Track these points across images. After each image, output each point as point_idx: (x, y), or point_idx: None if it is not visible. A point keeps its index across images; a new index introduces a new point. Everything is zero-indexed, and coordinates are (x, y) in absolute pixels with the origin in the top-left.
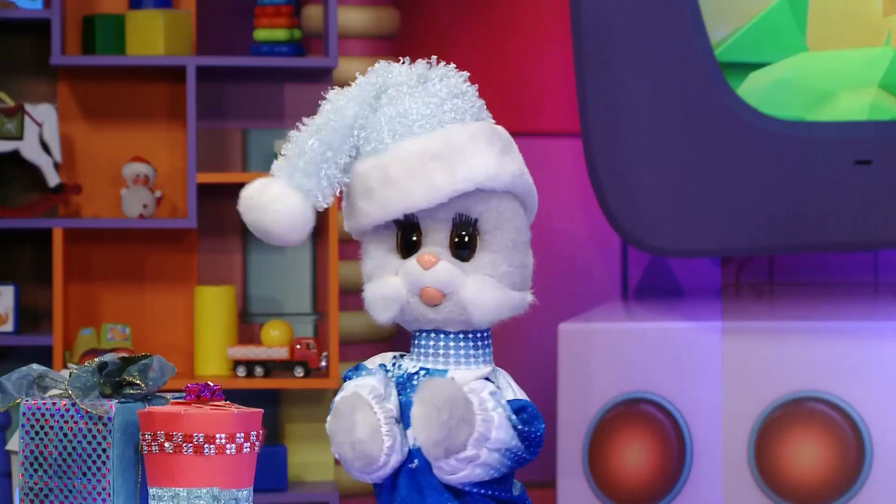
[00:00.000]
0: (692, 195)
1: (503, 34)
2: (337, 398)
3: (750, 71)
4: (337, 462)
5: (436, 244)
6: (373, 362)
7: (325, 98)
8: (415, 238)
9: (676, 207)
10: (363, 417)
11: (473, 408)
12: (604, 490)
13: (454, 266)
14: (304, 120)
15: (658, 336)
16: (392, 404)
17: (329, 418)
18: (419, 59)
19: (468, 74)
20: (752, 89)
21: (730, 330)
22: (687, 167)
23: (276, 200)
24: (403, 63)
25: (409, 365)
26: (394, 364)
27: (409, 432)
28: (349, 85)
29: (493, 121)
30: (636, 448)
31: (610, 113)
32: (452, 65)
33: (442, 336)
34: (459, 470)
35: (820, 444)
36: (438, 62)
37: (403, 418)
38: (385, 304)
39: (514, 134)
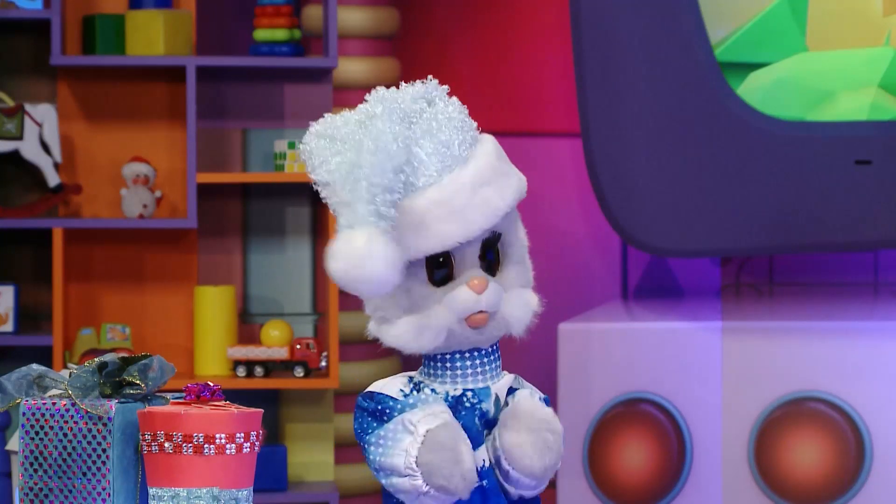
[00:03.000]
0: (692, 195)
1: (503, 34)
2: (423, 429)
3: (750, 71)
4: (338, 462)
5: (472, 266)
6: (389, 388)
7: (328, 109)
8: (442, 261)
9: (676, 207)
10: (466, 448)
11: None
12: (604, 490)
13: (497, 284)
14: (332, 162)
15: (658, 336)
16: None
17: (423, 450)
18: (411, 81)
19: (448, 88)
20: (752, 89)
21: (730, 330)
22: (687, 167)
23: (375, 248)
24: (400, 87)
25: (447, 388)
26: (412, 388)
27: (476, 454)
28: (339, 111)
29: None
30: (636, 448)
31: (610, 113)
32: (436, 80)
33: (477, 354)
34: (543, 485)
35: (820, 444)
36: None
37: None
38: (434, 334)
39: (513, 134)
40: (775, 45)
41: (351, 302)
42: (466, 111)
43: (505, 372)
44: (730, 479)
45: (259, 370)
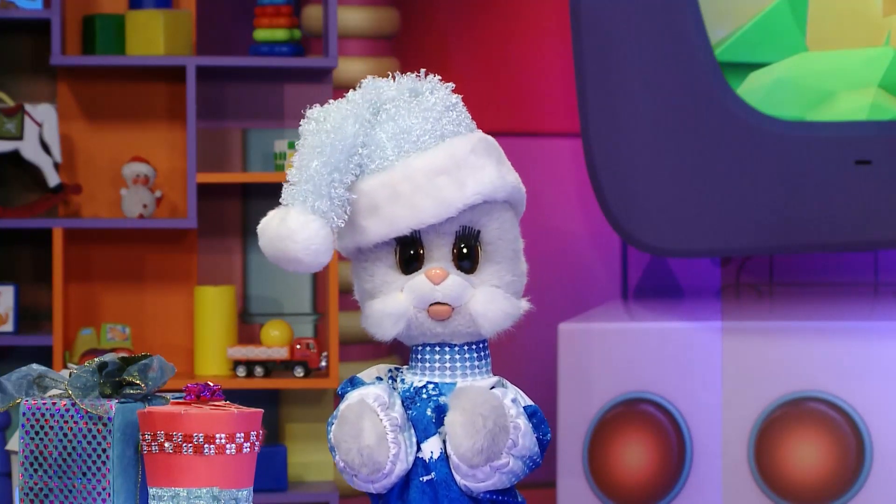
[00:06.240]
0: (692, 195)
1: (503, 34)
2: (342, 406)
3: (750, 71)
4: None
5: (440, 258)
6: (368, 375)
7: (310, 113)
8: (413, 252)
9: (676, 207)
10: (370, 424)
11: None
12: (604, 490)
13: (462, 279)
14: (299, 142)
15: (658, 336)
16: (397, 413)
17: (334, 427)
18: (408, 73)
19: (454, 85)
20: (752, 89)
21: (730, 330)
22: (687, 167)
23: (300, 229)
24: (392, 79)
25: (413, 379)
26: (391, 377)
27: (426, 445)
28: (339, 99)
29: (480, 130)
30: (636, 448)
31: (610, 113)
32: (438, 77)
33: (447, 349)
34: (490, 478)
35: (820, 444)
36: (427, 75)
37: (416, 432)
38: (393, 321)
39: (514, 134)
40: (775, 45)
41: (351, 302)
42: (459, 107)
43: (491, 375)
44: (730, 479)
45: (259, 370)
